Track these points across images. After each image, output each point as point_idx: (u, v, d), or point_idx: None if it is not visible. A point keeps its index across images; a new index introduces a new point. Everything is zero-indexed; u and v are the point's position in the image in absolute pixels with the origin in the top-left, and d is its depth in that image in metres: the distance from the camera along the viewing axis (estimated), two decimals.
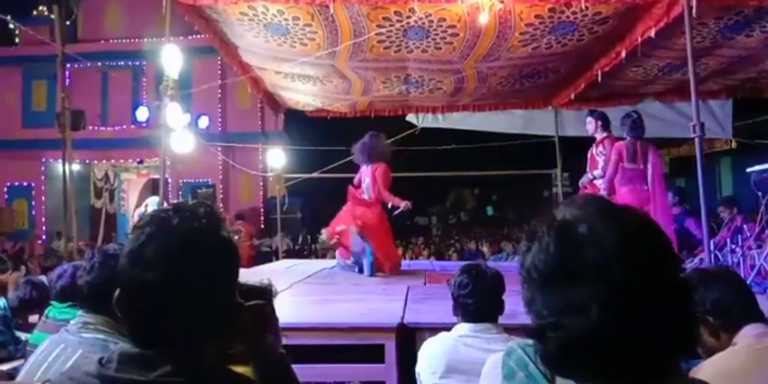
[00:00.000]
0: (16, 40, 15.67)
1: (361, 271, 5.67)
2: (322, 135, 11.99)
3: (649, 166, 5.37)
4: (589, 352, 0.76)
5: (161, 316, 0.91)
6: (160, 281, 0.91)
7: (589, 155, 6.02)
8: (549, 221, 0.83)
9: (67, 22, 12.22)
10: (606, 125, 5.88)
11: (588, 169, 5.95)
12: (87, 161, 15.34)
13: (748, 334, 1.67)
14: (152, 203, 9.11)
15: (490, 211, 21.85)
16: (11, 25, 12.65)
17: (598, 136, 5.89)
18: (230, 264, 0.99)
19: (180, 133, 5.74)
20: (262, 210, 16.07)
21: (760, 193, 5.13)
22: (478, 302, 2.29)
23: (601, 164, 5.72)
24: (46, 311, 2.84)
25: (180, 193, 15.17)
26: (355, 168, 6.35)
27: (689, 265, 5.30)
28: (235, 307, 1.00)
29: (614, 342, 0.75)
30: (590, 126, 5.96)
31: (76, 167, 12.17)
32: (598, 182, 5.72)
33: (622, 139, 5.57)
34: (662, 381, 0.77)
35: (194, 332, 0.93)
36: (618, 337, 0.75)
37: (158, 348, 0.91)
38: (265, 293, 1.56)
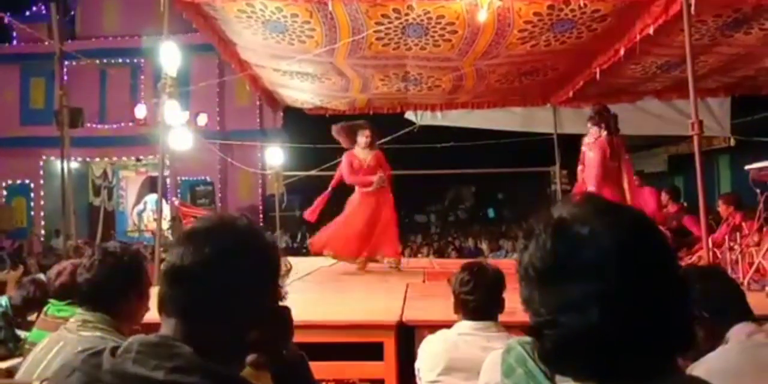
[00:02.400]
0: (14, 37, 15.64)
1: None
2: (321, 133, 11.95)
3: (623, 162, 5.37)
4: (586, 349, 0.76)
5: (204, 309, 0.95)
6: (206, 276, 0.94)
7: None
8: (546, 220, 0.83)
9: (65, 20, 12.20)
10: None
11: None
12: (86, 159, 15.34)
13: (738, 332, 1.69)
14: (150, 201, 9.11)
15: (491, 213, 21.81)
16: (9, 23, 12.61)
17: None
18: (273, 268, 1.05)
19: (178, 130, 5.74)
20: (260, 208, 16.08)
21: (758, 191, 5.14)
22: (479, 299, 2.30)
23: None
24: (44, 309, 2.84)
25: (179, 190, 15.17)
26: None
27: (688, 262, 5.31)
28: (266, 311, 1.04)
29: (612, 340, 0.75)
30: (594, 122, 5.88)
31: (74, 165, 12.18)
32: None
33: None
34: (660, 379, 0.78)
35: (230, 332, 0.96)
36: (615, 335, 0.75)
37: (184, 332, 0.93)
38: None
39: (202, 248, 0.95)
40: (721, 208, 6.30)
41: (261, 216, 15.96)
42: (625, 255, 0.76)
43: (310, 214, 6.36)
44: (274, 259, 1.05)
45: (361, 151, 6.12)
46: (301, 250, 14.43)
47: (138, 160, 15.70)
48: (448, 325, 2.41)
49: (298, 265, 7.43)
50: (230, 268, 0.95)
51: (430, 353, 2.33)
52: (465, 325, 2.31)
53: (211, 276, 0.94)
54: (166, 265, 0.98)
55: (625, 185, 5.31)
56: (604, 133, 5.41)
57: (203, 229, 1.00)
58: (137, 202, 17.53)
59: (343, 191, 6.29)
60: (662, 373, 0.78)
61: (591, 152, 5.46)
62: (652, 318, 0.76)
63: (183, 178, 15.44)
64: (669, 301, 0.78)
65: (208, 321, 0.94)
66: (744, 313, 1.76)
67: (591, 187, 5.33)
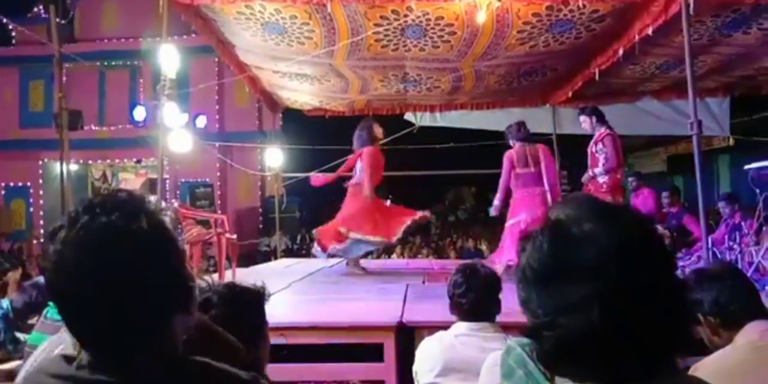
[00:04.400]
0: (13, 40, 15.63)
1: None
2: (320, 134, 11.98)
3: (542, 168, 5.61)
4: (585, 351, 0.76)
5: (101, 324, 0.87)
6: (86, 289, 0.85)
7: (589, 152, 5.97)
8: (543, 221, 0.84)
9: (64, 22, 12.21)
10: (602, 120, 5.84)
11: (589, 167, 5.90)
12: (86, 161, 15.34)
13: (750, 331, 1.66)
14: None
15: (491, 211, 21.81)
16: (8, 25, 12.62)
17: (596, 132, 5.84)
18: (156, 253, 0.90)
19: (178, 132, 5.73)
20: (260, 209, 16.08)
21: (758, 190, 5.14)
22: (472, 301, 2.30)
23: (601, 161, 5.69)
24: (44, 312, 2.84)
25: (178, 192, 15.16)
26: None
27: (687, 262, 5.31)
28: (184, 283, 0.94)
29: (610, 341, 0.75)
30: (585, 124, 5.91)
31: (73, 167, 12.17)
32: (600, 179, 5.70)
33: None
34: (660, 380, 0.78)
35: (141, 332, 0.88)
36: (614, 336, 0.75)
37: (110, 354, 0.88)
38: (257, 295, 1.57)
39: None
40: (724, 207, 6.29)
41: (261, 217, 15.96)
42: (622, 256, 0.76)
43: None
44: (150, 250, 0.90)
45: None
46: (301, 252, 14.43)
47: (137, 162, 15.70)
48: (448, 326, 2.41)
49: (297, 266, 7.46)
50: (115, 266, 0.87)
51: (427, 355, 2.33)
52: (461, 327, 2.32)
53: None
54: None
55: (546, 187, 5.59)
56: (512, 141, 5.83)
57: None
58: None
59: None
60: (662, 374, 0.78)
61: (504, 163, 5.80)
62: (650, 319, 0.76)
63: (182, 180, 15.43)
64: (667, 301, 0.78)
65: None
66: (757, 312, 1.72)
67: (498, 194, 5.83)
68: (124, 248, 0.87)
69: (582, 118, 5.93)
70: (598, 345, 0.75)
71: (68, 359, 0.90)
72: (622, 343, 0.75)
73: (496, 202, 5.85)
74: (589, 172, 5.81)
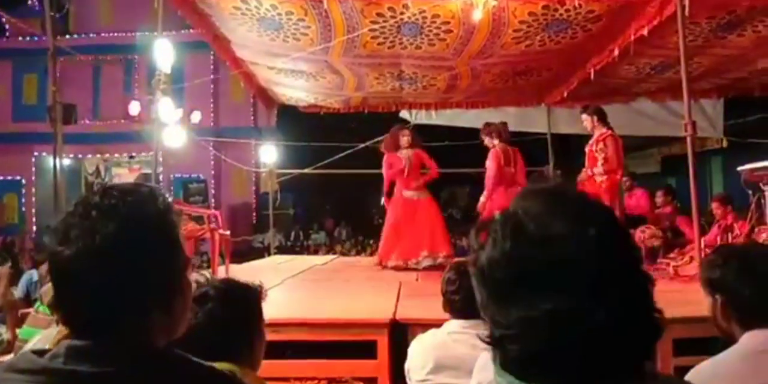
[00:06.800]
0: (6, 32, 15.52)
1: None
2: (315, 131, 11.97)
3: (518, 168, 6.08)
4: (552, 361, 0.72)
5: (91, 300, 0.88)
6: (82, 260, 0.88)
7: (587, 151, 5.96)
8: (504, 217, 0.77)
9: (59, 15, 12.13)
10: (603, 120, 5.82)
11: (586, 166, 5.90)
12: (79, 155, 15.26)
13: (754, 336, 1.60)
14: None
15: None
16: (2, 18, 12.51)
17: (597, 132, 5.82)
18: (156, 239, 0.92)
19: (172, 127, 5.71)
20: (254, 206, 16.04)
21: (750, 192, 5.17)
22: (465, 299, 2.30)
23: (600, 161, 5.68)
24: (35, 306, 2.84)
25: (171, 188, 15.11)
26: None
27: (679, 263, 5.33)
28: (177, 284, 0.96)
29: (578, 352, 0.71)
30: (587, 123, 5.88)
31: (67, 161, 12.09)
32: (599, 179, 5.69)
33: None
34: (631, 382, 0.74)
35: (132, 315, 0.89)
36: (581, 347, 0.71)
37: (100, 337, 0.88)
38: (254, 292, 1.57)
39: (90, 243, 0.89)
40: (717, 208, 6.31)
41: (254, 214, 15.91)
42: (589, 260, 0.71)
43: None
44: (151, 235, 0.92)
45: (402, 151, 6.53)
46: (295, 248, 14.43)
47: (131, 157, 15.63)
48: (441, 324, 2.41)
49: (290, 263, 7.44)
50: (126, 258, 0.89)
51: (419, 352, 2.33)
52: (454, 324, 2.32)
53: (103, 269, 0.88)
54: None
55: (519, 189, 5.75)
56: (496, 141, 6.08)
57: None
58: None
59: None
60: (631, 380, 0.74)
61: (488, 161, 6.09)
62: (619, 327, 0.71)
63: (176, 176, 15.37)
64: (632, 307, 0.73)
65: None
66: None
67: (485, 192, 6.08)
68: (124, 227, 0.89)
69: (584, 117, 5.90)
70: (565, 357, 0.71)
71: (39, 353, 0.89)
72: (592, 350, 0.71)
73: (483, 198, 6.12)
74: (587, 171, 5.80)
